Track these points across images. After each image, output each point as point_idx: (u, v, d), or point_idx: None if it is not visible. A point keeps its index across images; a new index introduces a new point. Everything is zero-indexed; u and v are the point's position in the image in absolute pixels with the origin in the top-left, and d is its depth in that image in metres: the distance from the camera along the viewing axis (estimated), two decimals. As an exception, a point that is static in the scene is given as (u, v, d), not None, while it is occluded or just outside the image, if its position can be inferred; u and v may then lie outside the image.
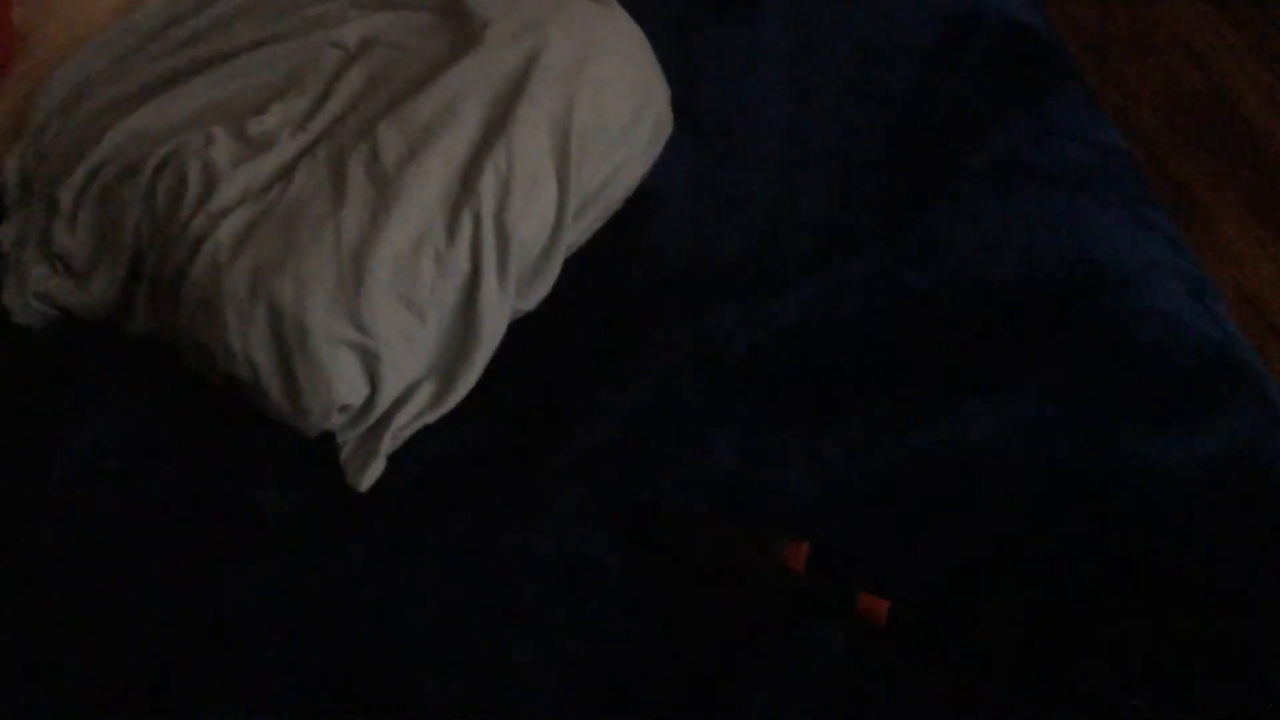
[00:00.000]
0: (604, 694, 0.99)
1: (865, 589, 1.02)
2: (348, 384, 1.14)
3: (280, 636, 1.04)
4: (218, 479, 1.14)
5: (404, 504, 1.13)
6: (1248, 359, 1.20)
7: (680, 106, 1.40)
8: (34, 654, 1.03)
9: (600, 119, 1.26)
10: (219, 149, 1.21)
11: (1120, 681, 0.95)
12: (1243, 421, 1.12)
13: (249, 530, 1.11)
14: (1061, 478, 1.10)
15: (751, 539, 1.06)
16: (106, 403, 1.20)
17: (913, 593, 1.02)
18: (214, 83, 1.28)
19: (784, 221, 1.37)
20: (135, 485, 1.14)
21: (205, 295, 1.14)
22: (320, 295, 1.12)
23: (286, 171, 1.20)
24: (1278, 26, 2.43)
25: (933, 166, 1.40)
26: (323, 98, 1.26)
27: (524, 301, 1.25)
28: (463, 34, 1.29)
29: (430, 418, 1.18)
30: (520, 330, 1.25)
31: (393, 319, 1.15)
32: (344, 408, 1.16)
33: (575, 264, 1.29)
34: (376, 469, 1.14)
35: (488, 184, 1.18)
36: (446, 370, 1.19)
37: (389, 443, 1.16)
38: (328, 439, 1.18)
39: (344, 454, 1.16)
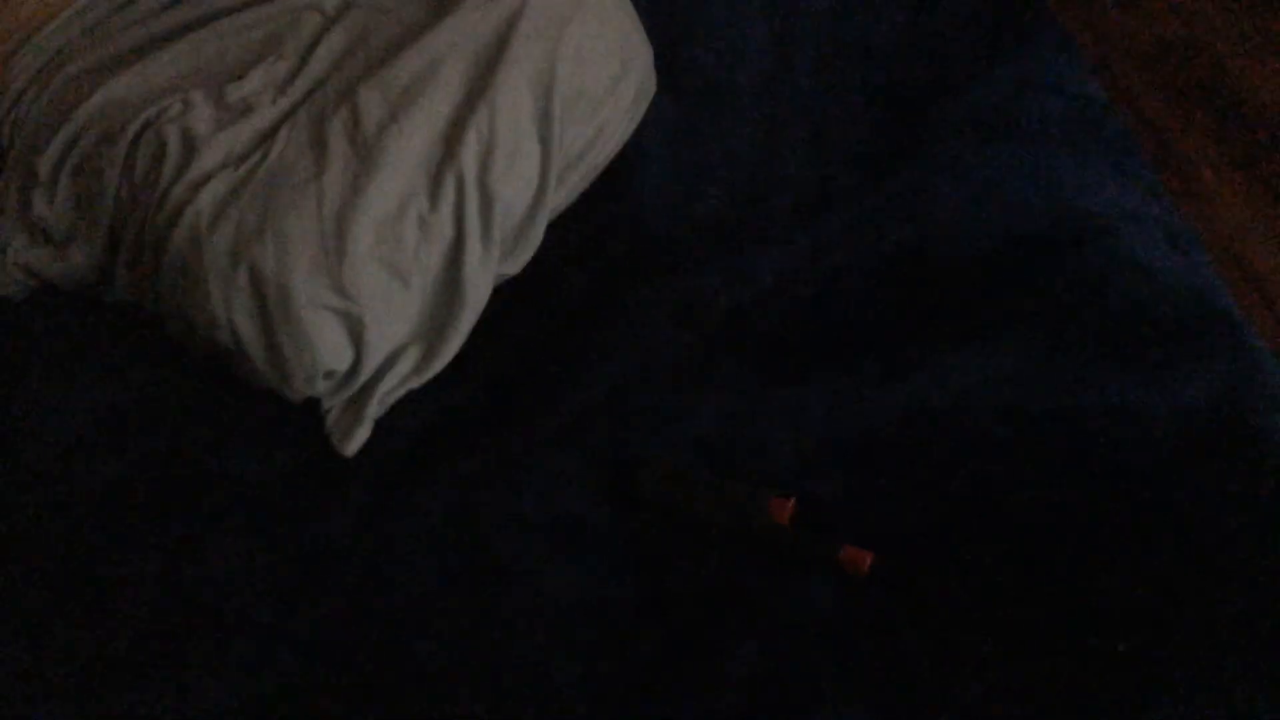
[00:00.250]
0: (593, 649, 1.00)
1: (849, 541, 1.03)
2: (331, 349, 1.14)
3: (269, 602, 1.04)
4: (202, 448, 1.15)
5: (391, 468, 1.13)
6: (1227, 308, 1.21)
7: (661, 65, 1.40)
8: (21, 625, 1.04)
9: (582, 80, 1.25)
10: (198, 115, 1.20)
11: (1101, 627, 0.96)
12: (1222, 370, 1.13)
13: (234, 498, 1.11)
14: (1043, 428, 1.10)
15: (737, 494, 1.07)
16: (88, 373, 1.20)
17: (896, 544, 1.03)
18: (192, 48, 1.27)
19: (766, 179, 1.37)
20: (119, 455, 1.14)
21: (187, 263, 1.14)
22: (303, 261, 1.12)
23: (266, 137, 1.20)
24: (1258, -25, 2.42)
25: (913, 120, 1.40)
26: (302, 62, 1.25)
27: (508, 265, 1.25)
28: (441, -6, 1.27)
29: (416, 383, 1.18)
30: (505, 294, 1.25)
31: (376, 284, 1.14)
32: (329, 374, 1.16)
33: (559, 227, 1.29)
34: (363, 434, 1.15)
35: (470, 147, 1.17)
36: (432, 335, 1.20)
37: (375, 408, 1.16)
38: (311, 406, 1.18)
39: (329, 420, 1.17)
